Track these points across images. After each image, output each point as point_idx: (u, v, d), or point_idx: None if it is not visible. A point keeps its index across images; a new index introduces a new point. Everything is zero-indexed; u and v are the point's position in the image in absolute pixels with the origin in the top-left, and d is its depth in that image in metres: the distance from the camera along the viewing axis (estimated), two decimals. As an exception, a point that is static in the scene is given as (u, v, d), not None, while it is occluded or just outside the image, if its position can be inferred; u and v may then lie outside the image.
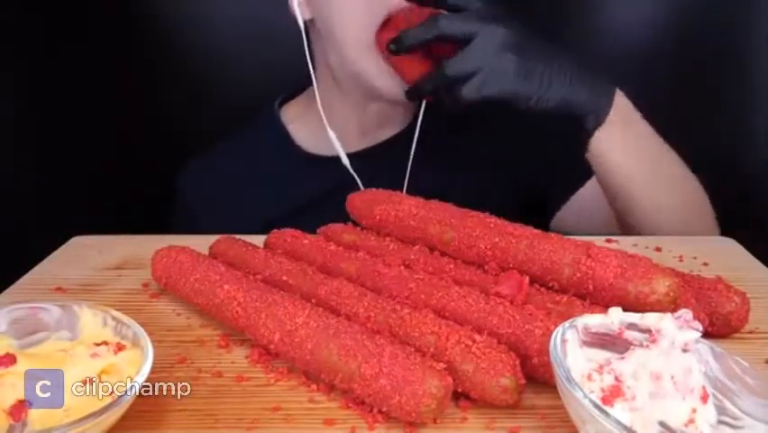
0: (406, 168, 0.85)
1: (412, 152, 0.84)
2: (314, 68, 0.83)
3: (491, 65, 0.65)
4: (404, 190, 0.84)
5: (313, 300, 0.50)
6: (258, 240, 0.62)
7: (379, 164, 0.84)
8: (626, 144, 0.71)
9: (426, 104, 0.81)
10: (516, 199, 0.86)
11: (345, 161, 0.83)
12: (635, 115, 0.72)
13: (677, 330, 0.37)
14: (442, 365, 0.41)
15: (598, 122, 0.70)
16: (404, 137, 0.87)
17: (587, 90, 0.69)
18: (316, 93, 0.84)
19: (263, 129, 0.92)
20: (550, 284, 0.49)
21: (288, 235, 0.61)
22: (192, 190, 0.91)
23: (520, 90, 0.67)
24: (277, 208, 0.83)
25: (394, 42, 0.68)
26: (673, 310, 0.39)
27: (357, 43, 0.75)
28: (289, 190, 0.87)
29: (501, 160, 0.87)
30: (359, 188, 0.79)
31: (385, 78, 0.75)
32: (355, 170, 0.83)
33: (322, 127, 0.85)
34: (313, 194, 0.85)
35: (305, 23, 0.80)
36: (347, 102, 0.85)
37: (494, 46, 0.65)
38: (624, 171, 0.72)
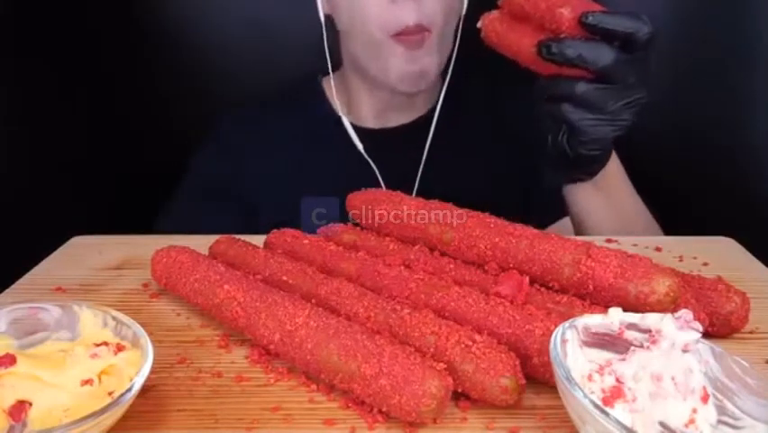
0: (422, 153, 0.87)
1: (429, 139, 0.86)
2: (331, 59, 0.86)
3: (607, 121, 0.61)
4: (418, 175, 0.87)
5: (313, 300, 0.50)
6: (258, 240, 0.62)
7: (396, 147, 0.87)
8: (594, 203, 0.73)
9: (446, 90, 0.83)
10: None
11: (359, 146, 0.86)
12: (615, 181, 0.72)
13: (677, 331, 0.37)
14: (442, 365, 0.41)
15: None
16: (422, 123, 0.89)
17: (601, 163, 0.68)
18: (332, 85, 0.88)
19: (308, 99, 0.94)
20: (550, 284, 0.50)
21: (288, 235, 0.62)
22: (236, 133, 0.93)
23: (590, 146, 0.64)
24: (309, 171, 0.88)
25: (549, 49, 0.59)
26: (673, 310, 0.39)
27: (376, 37, 0.78)
28: (323, 153, 0.90)
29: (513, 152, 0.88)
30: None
31: (401, 69, 0.79)
32: (373, 151, 0.86)
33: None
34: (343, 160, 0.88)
35: (326, 16, 0.84)
36: (364, 90, 0.89)
37: (623, 104, 0.61)
38: (584, 219, 0.74)
